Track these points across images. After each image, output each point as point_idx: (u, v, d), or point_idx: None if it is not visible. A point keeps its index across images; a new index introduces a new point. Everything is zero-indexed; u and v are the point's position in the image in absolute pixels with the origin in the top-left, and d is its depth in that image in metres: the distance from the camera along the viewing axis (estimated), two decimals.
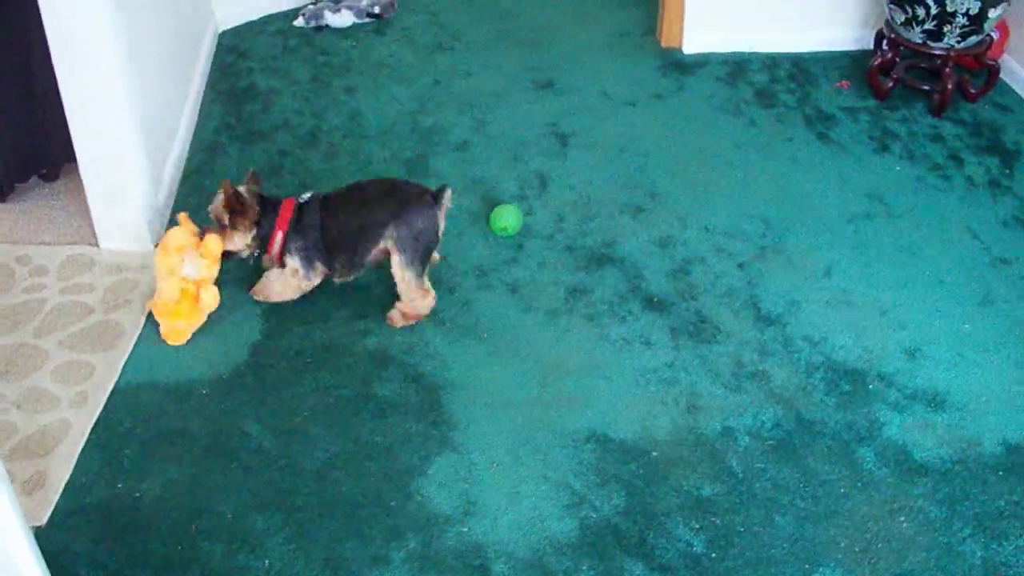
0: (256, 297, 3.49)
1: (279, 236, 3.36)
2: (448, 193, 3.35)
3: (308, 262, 3.39)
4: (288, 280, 3.44)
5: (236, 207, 3.31)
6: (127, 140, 3.54)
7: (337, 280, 3.48)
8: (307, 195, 3.41)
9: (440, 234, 3.38)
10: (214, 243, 3.32)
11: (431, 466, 2.96)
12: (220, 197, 3.32)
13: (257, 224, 3.36)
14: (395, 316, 3.43)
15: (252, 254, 3.45)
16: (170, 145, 3.99)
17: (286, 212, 3.36)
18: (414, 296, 3.37)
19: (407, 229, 3.29)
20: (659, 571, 2.69)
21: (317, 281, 3.45)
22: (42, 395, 3.15)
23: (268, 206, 3.38)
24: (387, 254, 3.35)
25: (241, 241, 3.37)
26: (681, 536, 2.77)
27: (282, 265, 3.42)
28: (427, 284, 3.40)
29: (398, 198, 3.32)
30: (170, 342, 3.33)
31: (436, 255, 3.49)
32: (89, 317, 3.42)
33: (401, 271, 3.33)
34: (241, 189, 3.34)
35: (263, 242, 3.40)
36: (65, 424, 3.06)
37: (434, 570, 2.69)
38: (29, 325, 3.39)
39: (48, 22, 3.29)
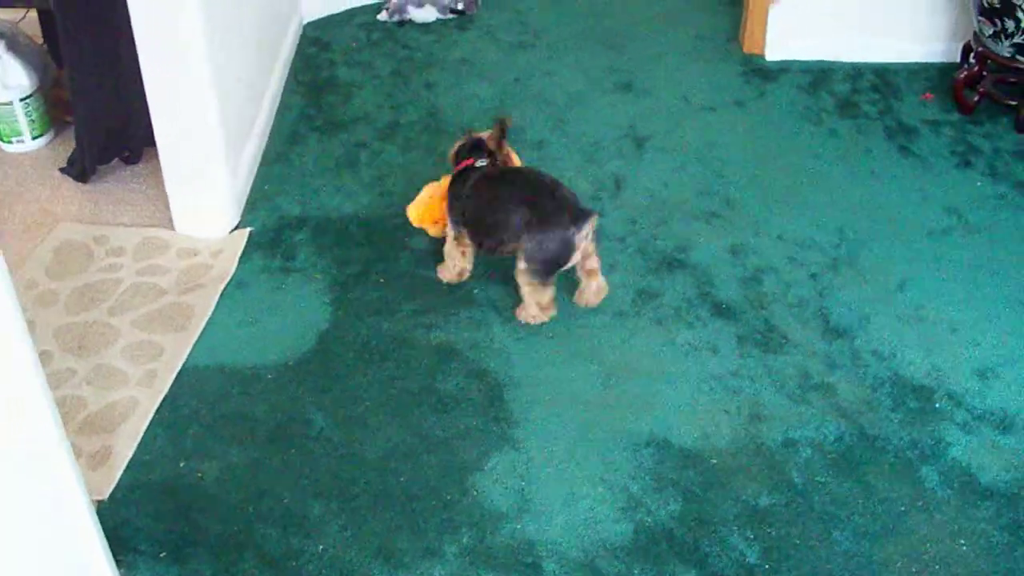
0: (442, 278, 3.54)
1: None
2: (593, 219, 3.24)
3: (456, 224, 3.43)
4: (449, 247, 3.49)
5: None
6: (207, 127, 3.59)
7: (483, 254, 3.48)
8: (483, 161, 3.44)
9: (578, 254, 3.27)
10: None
11: (489, 462, 2.97)
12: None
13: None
14: (519, 311, 3.41)
15: None
16: (249, 134, 4.04)
17: (456, 170, 3.48)
18: (528, 304, 3.35)
19: (535, 244, 3.22)
20: None
21: (466, 244, 3.43)
22: (112, 372, 3.21)
23: (462, 155, 3.51)
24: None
25: None
26: (736, 545, 2.75)
27: None
28: (548, 296, 3.33)
29: (536, 211, 3.21)
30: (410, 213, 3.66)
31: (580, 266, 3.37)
32: (162, 299, 3.48)
33: (521, 278, 3.31)
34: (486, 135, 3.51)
35: None
36: (132, 402, 3.12)
37: (486, 566, 2.70)
38: (104, 304, 3.46)
39: (133, 7, 3.34)
